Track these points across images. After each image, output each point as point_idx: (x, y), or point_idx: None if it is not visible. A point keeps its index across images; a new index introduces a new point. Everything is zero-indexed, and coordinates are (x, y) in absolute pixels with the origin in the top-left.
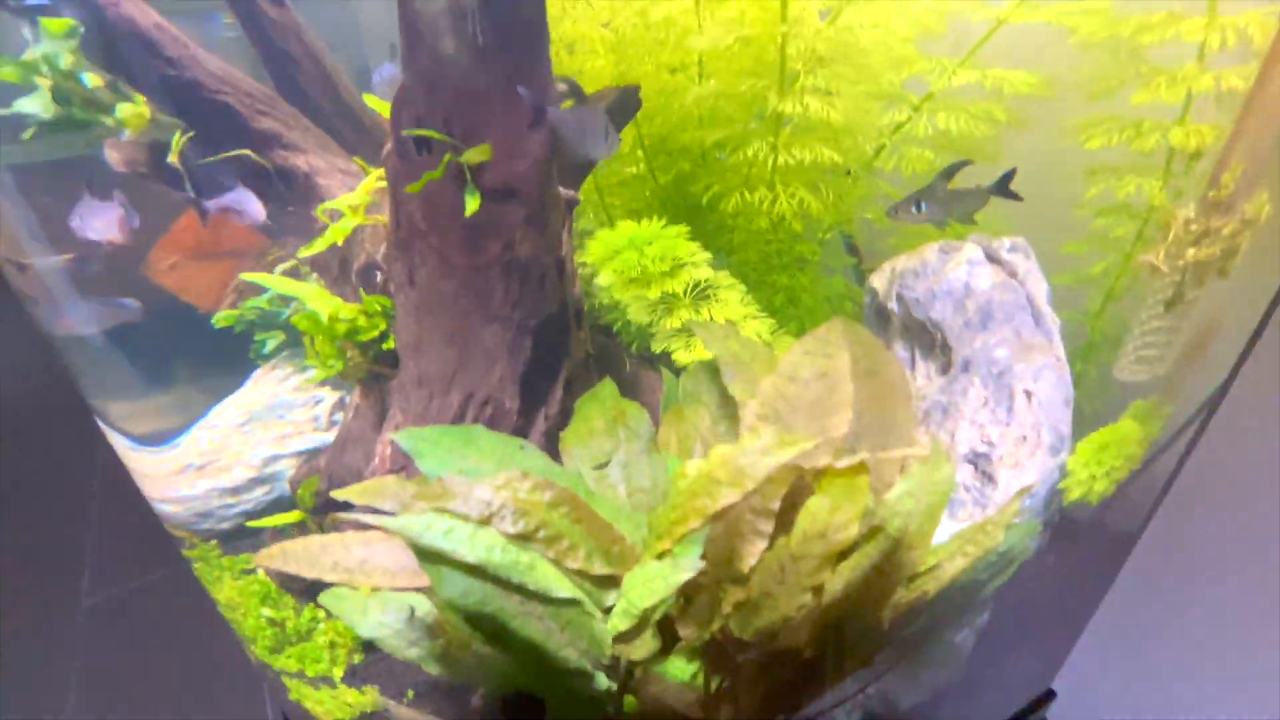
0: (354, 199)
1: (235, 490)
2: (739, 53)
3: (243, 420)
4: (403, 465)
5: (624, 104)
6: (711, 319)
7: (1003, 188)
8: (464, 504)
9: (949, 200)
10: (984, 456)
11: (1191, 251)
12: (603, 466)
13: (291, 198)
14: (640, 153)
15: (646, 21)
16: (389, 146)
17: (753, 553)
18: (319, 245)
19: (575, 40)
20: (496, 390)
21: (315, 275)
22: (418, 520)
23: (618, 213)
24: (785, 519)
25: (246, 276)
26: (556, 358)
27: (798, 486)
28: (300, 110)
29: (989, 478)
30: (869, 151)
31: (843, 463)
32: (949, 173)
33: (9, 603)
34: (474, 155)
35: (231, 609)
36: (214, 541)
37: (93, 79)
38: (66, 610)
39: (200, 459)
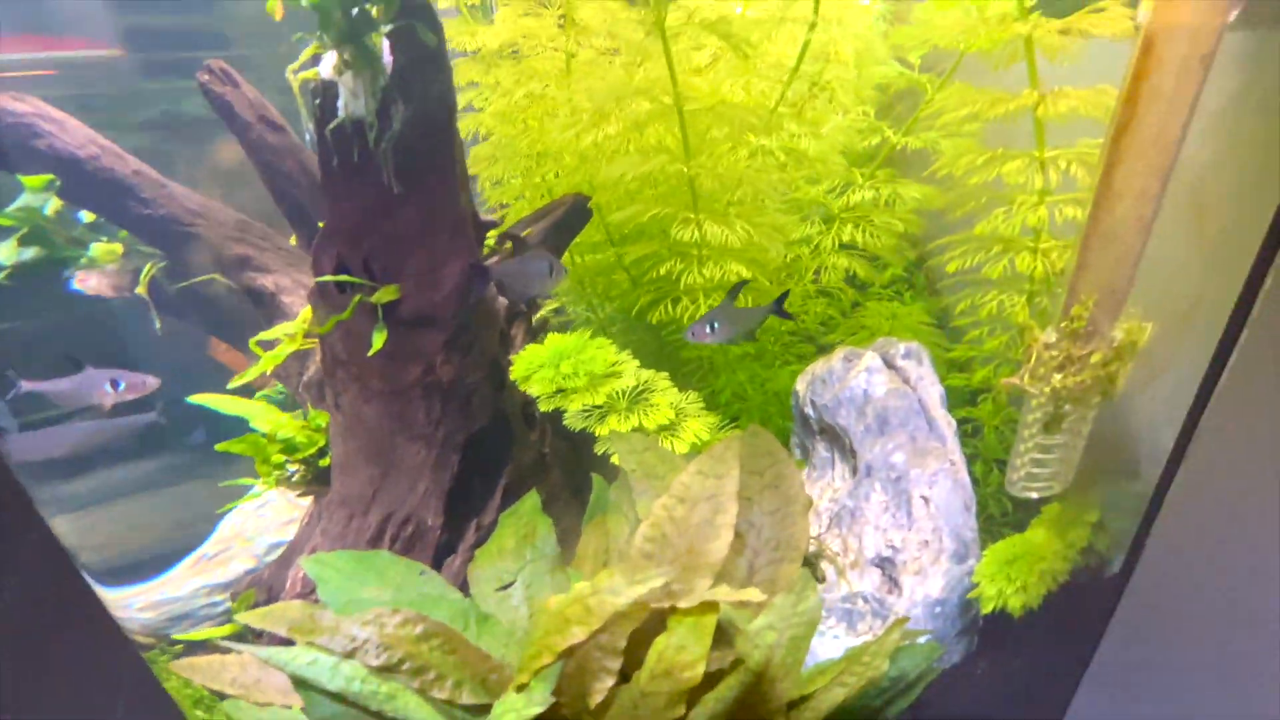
0: (290, 328)
1: (227, 585)
2: (658, 178)
3: (260, 503)
4: (312, 589)
5: (577, 211)
6: (642, 425)
7: (779, 307)
8: (331, 639)
9: (736, 318)
10: (889, 561)
11: (1058, 378)
12: (507, 587)
13: (261, 314)
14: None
15: (580, 147)
16: (313, 286)
17: (601, 689)
18: (251, 374)
19: (543, 152)
20: (419, 508)
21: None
22: (285, 652)
23: (598, 298)
24: (640, 655)
25: (193, 399)
26: (494, 466)
27: (651, 622)
28: (296, 218)
29: (895, 583)
30: (784, 261)
31: (686, 602)
32: (734, 293)
33: None
34: (383, 295)
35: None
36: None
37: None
38: None
39: (215, 547)
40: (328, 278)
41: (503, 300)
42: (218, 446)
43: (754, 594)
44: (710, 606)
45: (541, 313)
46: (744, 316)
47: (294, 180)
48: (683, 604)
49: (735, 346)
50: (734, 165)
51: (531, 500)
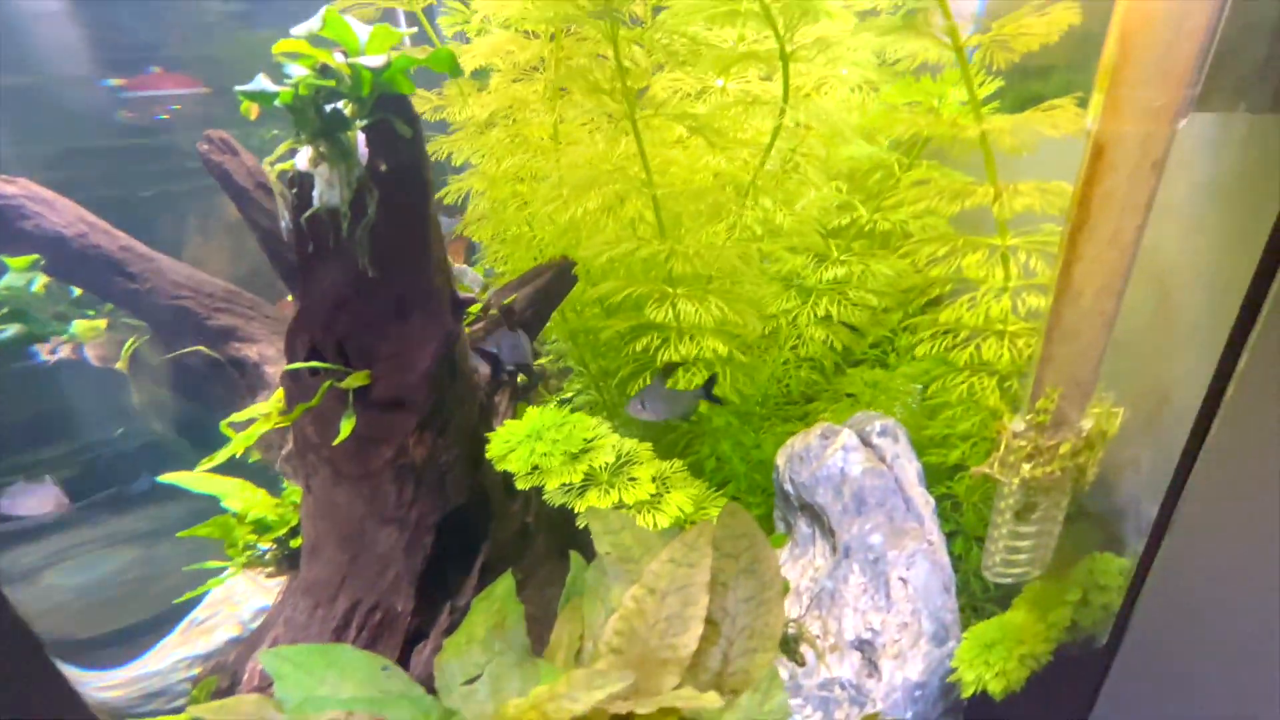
0: (264, 408)
1: (209, 656)
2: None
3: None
4: (270, 682)
5: (562, 277)
6: (623, 500)
7: (708, 392)
8: None
9: (666, 400)
10: (868, 644)
11: (1027, 468)
12: (474, 681)
13: (242, 384)
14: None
15: (559, 224)
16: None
17: None
18: (221, 456)
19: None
20: (388, 594)
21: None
22: None
23: (588, 353)
24: None
25: (163, 479)
26: (470, 545)
27: None
28: (288, 279)
29: (874, 667)
30: (763, 333)
31: (646, 707)
32: (665, 374)
33: None
34: (353, 381)
35: None
36: None
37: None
38: None
39: (205, 611)
40: (298, 364)
41: (484, 369)
42: (180, 534)
43: (713, 699)
44: (670, 711)
45: (543, 359)
46: (674, 399)
47: (289, 245)
48: (641, 710)
49: (719, 415)
50: (710, 242)
51: (505, 584)
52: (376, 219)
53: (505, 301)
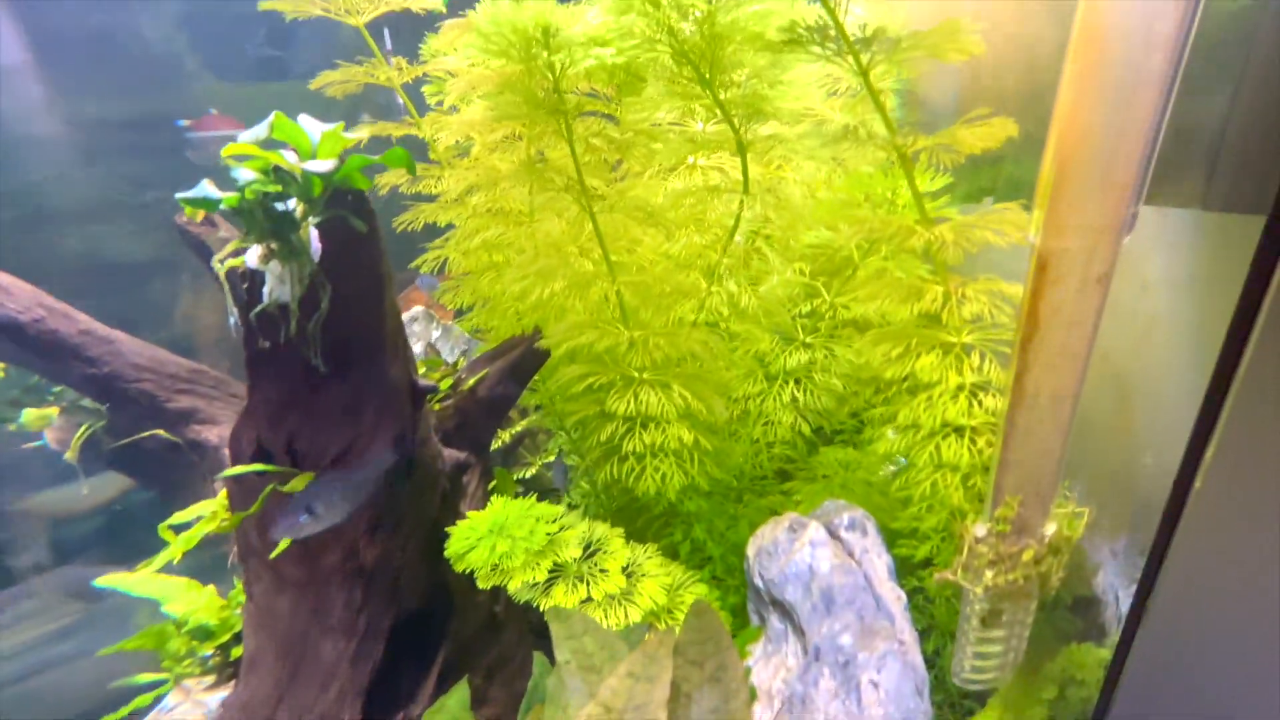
0: (208, 506)
1: None
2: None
3: None
4: None
5: (534, 351)
6: (590, 595)
7: None
8: None
9: None
10: None
11: (989, 574)
12: None
13: (202, 468)
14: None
15: (529, 304)
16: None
17: None
18: (159, 561)
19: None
20: (333, 708)
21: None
22: None
23: (569, 420)
24: None
25: (98, 583)
26: (428, 647)
27: None
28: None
29: None
30: (730, 417)
31: None
32: None
33: None
34: (297, 484)
35: None
36: None
37: None
38: None
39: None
40: (238, 469)
41: (448, 453)
42: (101, 652)
43: None
44: None
45: (524, 424)
46: None
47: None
48: None
49: (692, 499)
50: (674, 330)
51: (458, 696)
52: (329, 313)
53: (472, 380)
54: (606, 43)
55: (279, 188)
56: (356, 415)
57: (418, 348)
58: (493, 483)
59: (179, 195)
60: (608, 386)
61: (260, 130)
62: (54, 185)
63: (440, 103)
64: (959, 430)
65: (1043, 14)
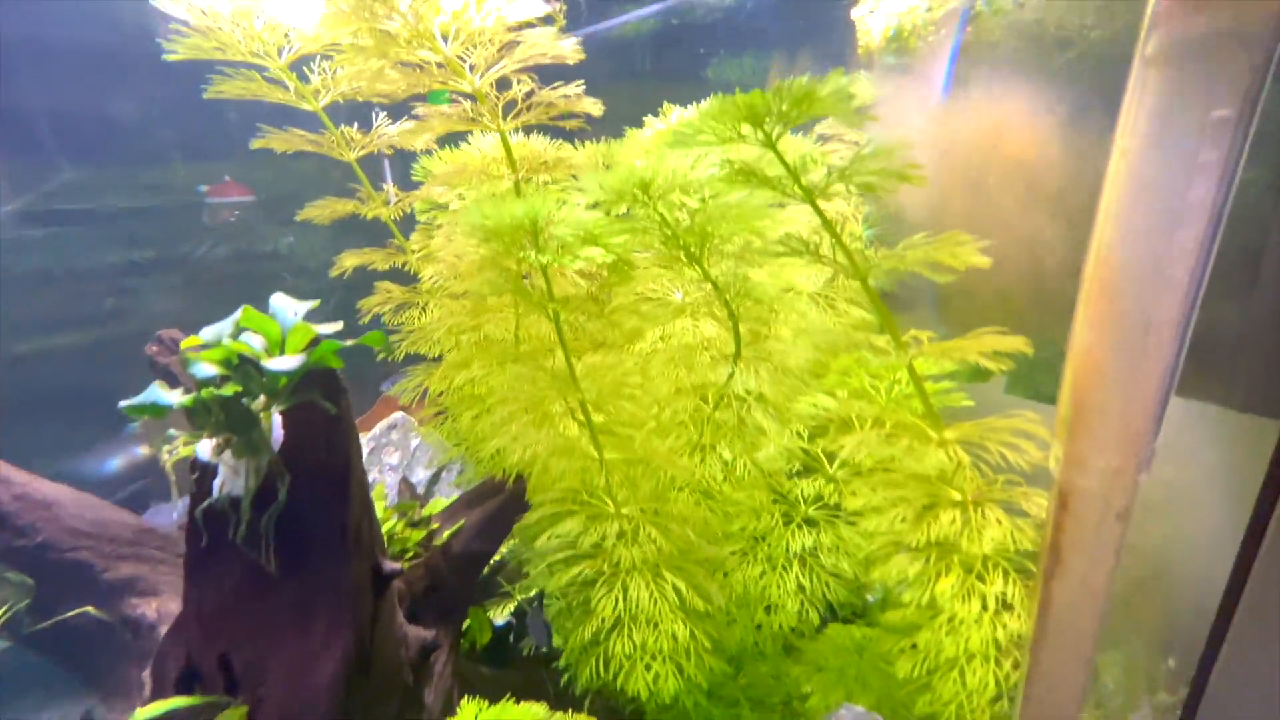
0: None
1: None
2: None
3: None
4: None
5: (513, 502)
6: None
7: None
8: None
9: None
10: None
11: None
12: None
13: (135, 648)
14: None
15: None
16: (149, 687)
17: None
18: None
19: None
20: None
21: None
22: None
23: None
24: None
25: None
26: None
27: None
28: (209, 564)
29: None
30: (726, 601)
31: None
32: None
33: None
34: (231, 716)
35: None
36: None
37: None
38: None
39: None
40: (156, 709)
41: (415, 635)
42: None
43: None
44: None
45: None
46: None
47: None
48: None
49: (687, 695)
50: (666, 510)
51: None
52: (286, 504)
53: (447, 534)
54: (597, 239)
55: (238, 388)
56: (306, 625)
57: (394, 458)
58: (465, 647)
59: (122, 404)
60: (593, 579)
61: (224, 327)
62: None
63: (431, 218)
64: (984, 656)
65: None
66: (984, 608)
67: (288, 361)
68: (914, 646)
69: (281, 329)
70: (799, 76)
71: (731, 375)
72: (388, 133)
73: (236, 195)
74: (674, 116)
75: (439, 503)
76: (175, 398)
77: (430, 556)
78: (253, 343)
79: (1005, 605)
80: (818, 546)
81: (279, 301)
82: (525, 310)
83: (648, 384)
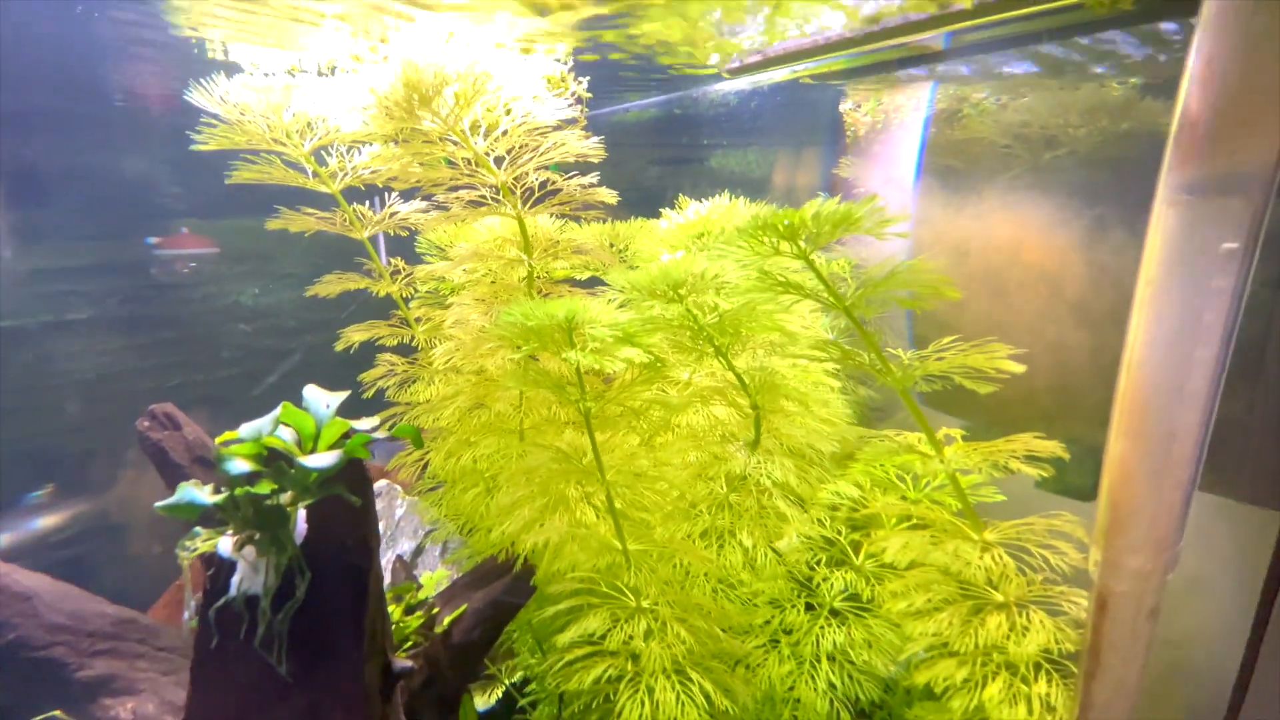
0: None
1: None
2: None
3: None
4: None
5: (519, 586)
6: None
7: None
8: None
9: None
10: None
11: None
12: None
13: None
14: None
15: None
16: None
17: None
18: None
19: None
20: None
21: None
22: None
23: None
24: None
25: None
26: None
27: None
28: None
29: None
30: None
31: None
32: None
33: None
34: None
35: None
36: None
37: None
38: None
39: None
40: None
41: None
42: None
43: None
44: None
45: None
46: None
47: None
48: None
49: None
50: (689, 604)
51: None
52: (305, 602)
53: (447, 621)
54: (632, 339)
55: (273, 486)
56: None
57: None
58: None
59: (157, 505)
60: (616, 679)
61: (264, 425)
62: None
63: (435, 288)
64: None
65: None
66: (1029, 711)
67: (325, 459)
68: None
69: (317, 423)
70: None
71: (753, 462)
72: (400, 212)
73: (194, 248)
74: (690, 211)
75: (432, 579)
76: (209, 496)
77: (430, 646)
78: (285, 436)
79: (1049, 708)
80: (850, 643)
81: (311, 394)
82: (531, 389)
83: (659, 468)
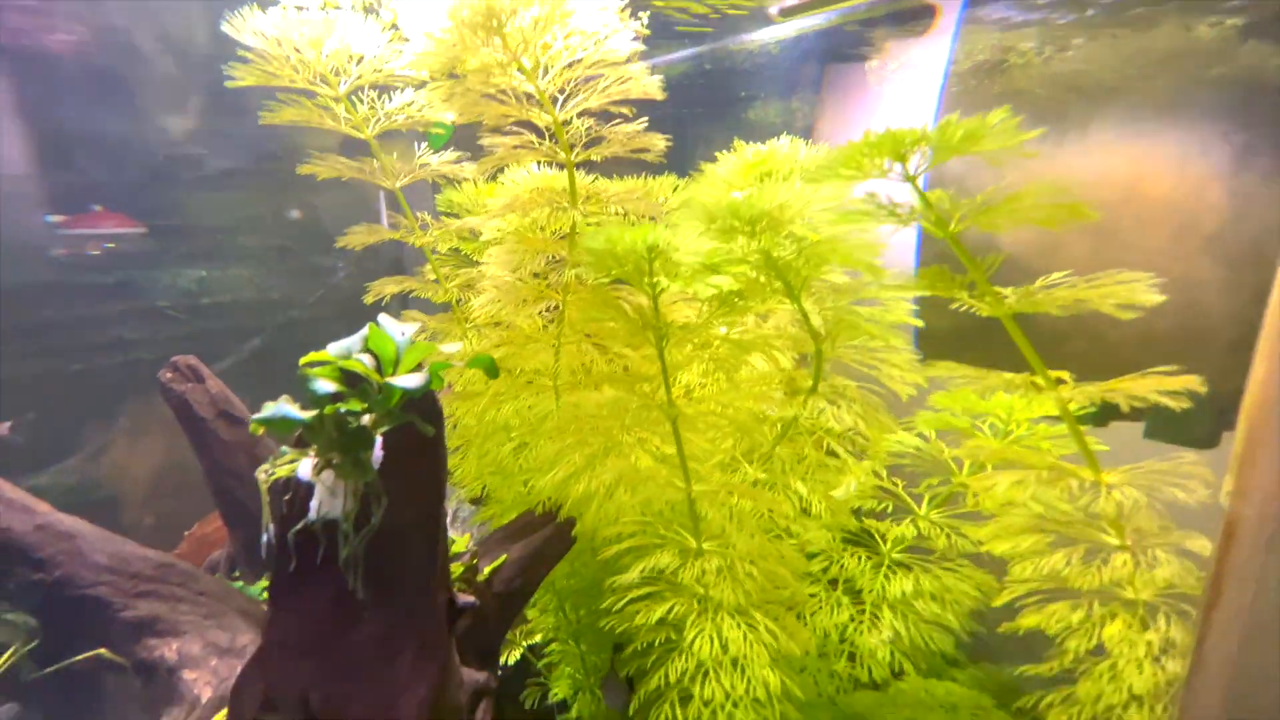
0: None
1: None
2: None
3: None
4: None
5: (559, 539)
6: None
7: None
8: None
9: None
10: None
11: None
12: None
13: (147, 695)
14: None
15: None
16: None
17: None
18: None
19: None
20: None
21: None
22: None
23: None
24: None
25: None
26: None
27: None
28: (235, 519)
29: None
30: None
31: None
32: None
33: None
34: None
35: None
36: None
37: None
38: None
39: None
40: None
41: (469, 675)
42: None
43: None
44: None
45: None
46: None
47: (242, 478)
48: None
49: None
50: (747, 540)
51: None
52: (380, 528)
53: (488, 570)
54: (718, 267)
55: (363, 405)
56: (390, 660)
57: None
58: None
59: (254, 417)
60: (683, 617)
61: (354, 343)
62: None
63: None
64: (1138, 700)
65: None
66: (1147, 653)
67: (412, 379)
68: (1067, 699)
69: (396, 348)
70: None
71: (816, 407)
72: (430, 163)
73: (110, 226)
74: (749, 152)
75: (461, 539)
76: (301, 413)
77: (474, 591)
78: (365, 361)
79: (1166, 648)
80: (918, 592)
81: (386, 321)
82: (567, 341)
83: (723, 410)
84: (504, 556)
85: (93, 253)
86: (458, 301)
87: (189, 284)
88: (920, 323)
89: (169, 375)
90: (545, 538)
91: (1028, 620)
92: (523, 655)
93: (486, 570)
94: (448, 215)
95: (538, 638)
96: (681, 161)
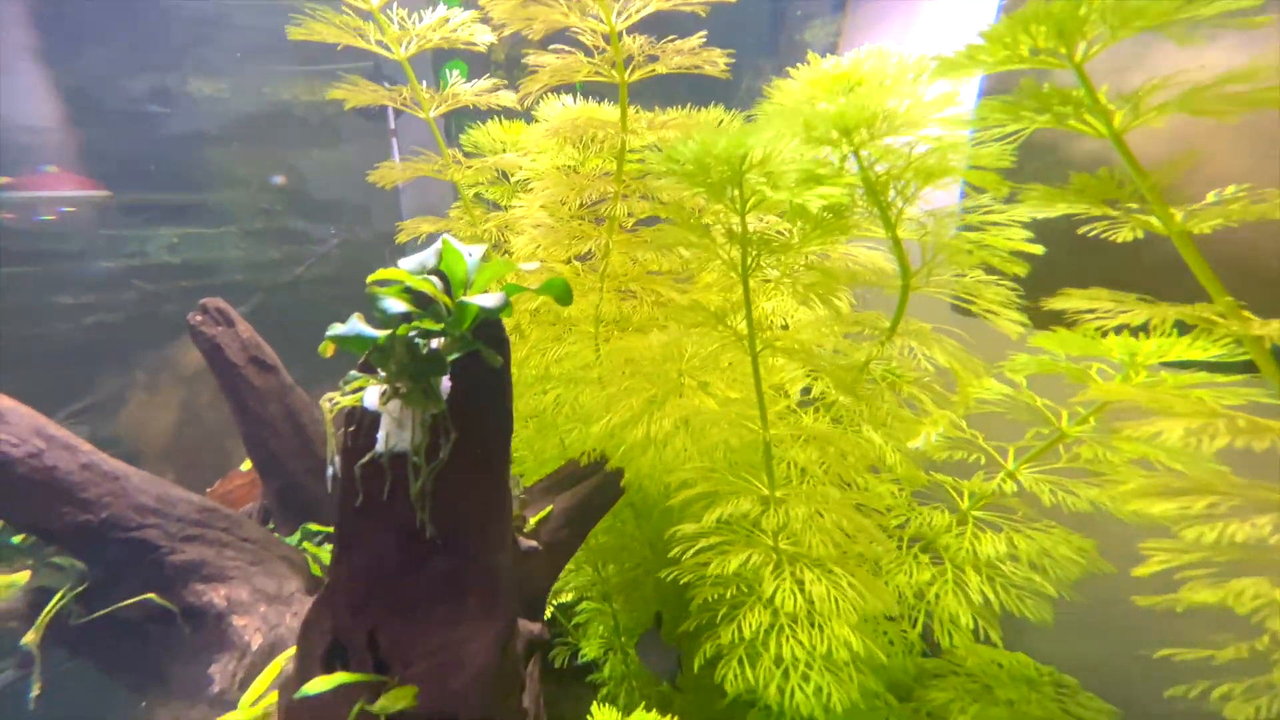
0: None
1: None
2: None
3: None
4: None
5: (607, 488)
6: None
7: None
8: None
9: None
10: None
11: None
12: None
13: (195, 642)
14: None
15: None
16: (290, 668)
17: None
18: None
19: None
20: None
21: None
22: None
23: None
24: None
25: None
26: None
27: None
28: (269, 469)
29: None
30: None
31: None
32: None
33: None
34: (393, 702)
35: None
36: None
37: None
38: None
39: None
40: (315, 688)
41: (524, 626)
42: None
43: None
44: None
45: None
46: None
47: (275, 428)
48: None
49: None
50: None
51: None
52: (448, 463)
53: (534, 520)
54: (822, 180)
55: (439, 325)
56: (459, 603)
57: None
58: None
59: (329, 332)
60: (759, 567)
61: (428, 257)
62: None
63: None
64: None
65: None
66: None
67: (490, 298)
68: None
69: (468, 269)
70: None
71: (883, 343)
72: (460, 92)
73: (70, 189)
74: (828, 64)
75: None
76: (379, 332)
77: (526, 536)
78: (435, 282)
79: None
80: (1012, 553)
81: (454, 242)
82: (609, 288)
83: (794, 351)
84: (549, 507)
85: (45, 217)
86: (494, 245)
87: (160, 252)
88: (1040, 249)
89: (199, 318)
90: (593, 486)
91: (1200, 595)
92: (551, 615)
93: (532, 521)
94: (471, 156)
95: (566, 596)
96: (733, 86)
